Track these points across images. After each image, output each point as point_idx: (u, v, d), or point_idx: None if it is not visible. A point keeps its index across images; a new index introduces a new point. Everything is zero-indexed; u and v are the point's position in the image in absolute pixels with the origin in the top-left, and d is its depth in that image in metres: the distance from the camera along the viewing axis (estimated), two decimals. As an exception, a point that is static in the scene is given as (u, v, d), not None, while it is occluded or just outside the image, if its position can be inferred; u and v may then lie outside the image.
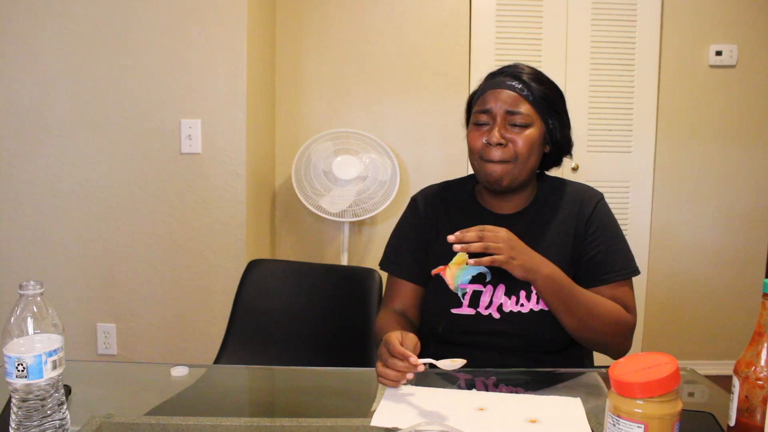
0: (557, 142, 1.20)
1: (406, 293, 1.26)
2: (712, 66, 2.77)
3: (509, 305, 1.14)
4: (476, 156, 1.18)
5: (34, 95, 2.21)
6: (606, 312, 1.11)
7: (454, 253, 1.11)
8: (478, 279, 1.16)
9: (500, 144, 1.13)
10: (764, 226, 2.86)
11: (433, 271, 1.16)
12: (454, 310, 1.16)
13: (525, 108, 1.14)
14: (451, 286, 1.16)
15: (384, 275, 1.52)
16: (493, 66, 1.25)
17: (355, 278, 1.56)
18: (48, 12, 2.17)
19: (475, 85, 1.25)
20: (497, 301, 1.15)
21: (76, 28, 2.18)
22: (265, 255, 2.62)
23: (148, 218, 2.26)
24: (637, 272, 1.18)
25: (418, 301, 1.26)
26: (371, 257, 2.80)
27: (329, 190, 2.49)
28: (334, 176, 2.49)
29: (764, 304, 0.74)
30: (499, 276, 1.14)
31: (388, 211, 2.70)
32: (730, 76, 2.78)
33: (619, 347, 1.15)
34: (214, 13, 2.18)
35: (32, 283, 0.74)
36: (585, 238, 1.18)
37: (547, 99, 1.16)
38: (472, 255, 1.08)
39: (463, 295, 1.16)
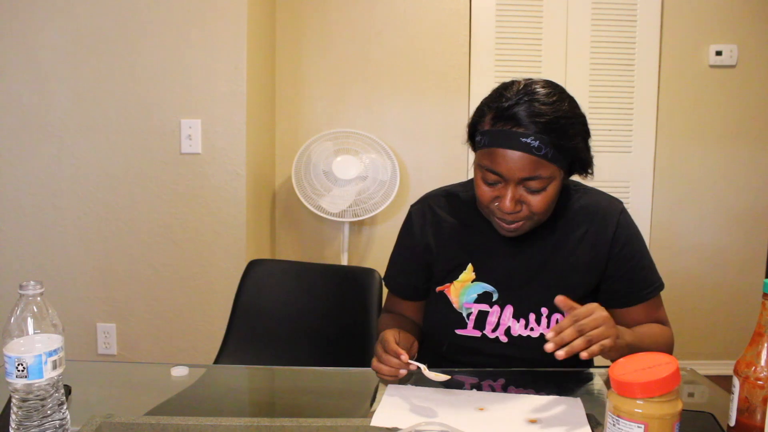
0: (579, 170, 1.09)
1: (406, 308, 1.24)
2: (712, 66, 2.77)
3: (518, 329, 1.07)
4: (484, 208, 1.05)
5: (34, 95, 2.21)
6: (659, 346, 1.02)
7: (461, 270, 1.08)
8: (483, 298, 1.08)
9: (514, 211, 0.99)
10: (764, 226, 2.86)
11: (438, 289, 1.13)
12: (458, 331, 1.10)
13: (543, 170, 0.96)
14: (455, 305, 1.10)
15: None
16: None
17: (355, 278, 1.56)
18: (48, 12, 2.17)
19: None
20: (504, 324, 1.07)
21: (76, 28, 2.18)
22: (265, 255, 2.62)
23: (148, 218, 2.26)
24: (662, 285, 1.10)
25: (420, 314, 1.23)
26: (371, 257, 2.80)
27: (329, 190, 2.49)
28: (334, 176, 2.48)
29: (764, 304, 0.74)
30: (507, 297, 1.08)
31: (388, 211, 2.70)
32: (730, 76, 2.78)
33: None
34: (214, 13, 2.18)
35: (32, 283, 0.74)
36: (610, 257, 1.09)
37: (568, 149, 0.99)
38: (481, 271, 1.05)
39: (468, 315, 1.09)
